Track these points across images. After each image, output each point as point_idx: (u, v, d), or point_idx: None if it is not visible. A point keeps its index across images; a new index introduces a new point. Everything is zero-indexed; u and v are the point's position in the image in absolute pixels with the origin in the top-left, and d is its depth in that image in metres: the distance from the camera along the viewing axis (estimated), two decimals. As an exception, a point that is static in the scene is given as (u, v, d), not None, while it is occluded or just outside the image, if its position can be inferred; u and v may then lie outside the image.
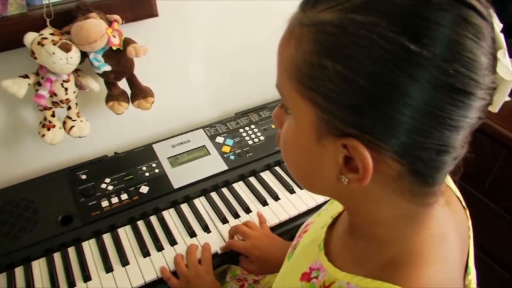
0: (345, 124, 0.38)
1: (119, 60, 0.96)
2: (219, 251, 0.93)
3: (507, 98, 0.40)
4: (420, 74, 0.34)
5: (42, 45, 0.85)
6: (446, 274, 0.43)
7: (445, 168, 0.40)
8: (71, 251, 0.93)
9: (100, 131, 1.14)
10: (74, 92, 0.97)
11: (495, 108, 0.41)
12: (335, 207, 0.61)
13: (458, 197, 0.56)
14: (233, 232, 0.94)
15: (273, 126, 1.21)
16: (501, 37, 0.39)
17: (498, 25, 0.38)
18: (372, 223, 0.46)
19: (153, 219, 1.00)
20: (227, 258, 0.94)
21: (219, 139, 1.17)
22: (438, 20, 0.34)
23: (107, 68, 0.94)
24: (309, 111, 0.40)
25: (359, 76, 0.35)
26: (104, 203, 1.00)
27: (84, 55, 0.92)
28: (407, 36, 0.34)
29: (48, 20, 0.89)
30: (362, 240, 0.49)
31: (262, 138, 1.18)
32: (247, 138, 1.18)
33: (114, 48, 0.93)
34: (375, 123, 0.36)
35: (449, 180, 0.57)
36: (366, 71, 0.35)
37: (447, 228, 0.47)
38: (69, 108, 1.00)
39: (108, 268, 0.89)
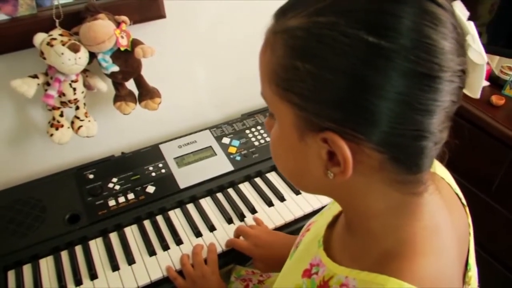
0: (321, 119, 0.40)
1: (127, 60, 0.97)
2: (224, 249, 0.94)
3: (485, 83, 0.42)
4: (383, 64, 0.36)
5: (51, 45, 0.86)
6: (441, 266, 0.44)
7: (427, 154, 0.41)
8: (78, 249, 0.94)
9: (108, 131, 1.15)
10: (82, 92, 0.98)
11: (474, 93, 0.43)
12: (337, 206, 0.61)
13: (457, 194, 0.56)
14: (237, 233, 0.95)
15: (279, 127, 1.21)
16: (467, 23, 0.41)
17: (463, 14, 0.41)
18: (364, 216, 0.47)
19: (159, 218, 1.01)
20: (232, 258, 0.95)
21: (225, 140, 1.18)
22: (396, 12, 0.36)
23: (115, 68, 0.95)
24: (288, 111, 0.42)
25: (327, 72, 0.37)
26: (111, 203, 1.01)
27: (92, 55, 0.93)
28: (366, 30, 0.36)
29: (57, 21, 0.90)
30: (357, 235, 0.50)
31: (268, 139, 1.18)
32: (253, 139, 1.18)
33: (122, 49, 0.94)
34: (349, 115, 0.38)
35: (449, 177, 0.57)
36: (333, 67, 0.37)
37: (439, 219, 0.47)
38: (77, 108, 1.01)
39: (115, 267, 0.90)
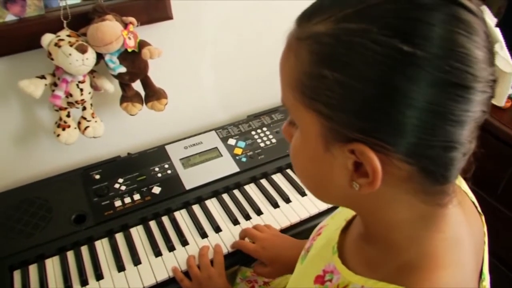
0: (349, 129, 0.38)
1: (134, 62, 0.97)
2: (230, 250, 0.93)
3: (511, 91, 0.41)
4: (416, 74, 0.35)
5: (59, 46, 0.87)
6: (461, 279, 0.43)
7: (455, 165, 0.40)
8: (84, 249, 0.94)
9: (114, 131, 1.15)
10: (89, 93, 0.98)
11: (500, 101, 0.42)
12: (349, 210, 0.61)
13: (473, 203, 0.55)
14: (243, 235, 0.95)
15: (285, 129, 1.21)
16: (495, 30, 0.39)
17: (491, 20, 0.39)
18: (387, 227, 0.46)
19: (165, 219, 1.01)
20: (238, 259, 0.94)
21: (231, 141, 1.18)
22: (428, 20, 0.35)
23: (122, 69, 0.95)
24: (314, 120, 0.41)
25: (357, 81, 0.36)
26: (117, 203, 1.01)
27: (99, 56, 0.93)
28: (399, 38, 0.35)
29: (65, 22, 0.90)
30: (376, 244, 0.49)
31: (274, 140, 1.18)
32: (259, 140, 1.18)
33: (129, 50, 0.94)
34: (379, 126, 0.37)
35: (464, 185, 0.57)
36: (363, 76, 0.36)
37: (461, 231, 0.46)
38: (84, 108, 1.02)
39: (120, 267, 0.90)
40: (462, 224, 0.47)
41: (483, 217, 0.54)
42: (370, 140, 0.38)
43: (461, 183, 0.56)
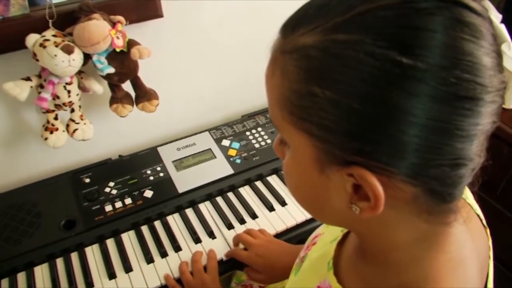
0: (346, 152, 0.35)
1: (123, 62, 0.94)
2: (224, 258, 0.91)
3: None
4: (418, 88, 0.31)
5: (44, 47, 0.84)
6: None
7: (464, 182, 0.37)
8: (74, 256, 0.92)
9: (104, 134, 1.12)
10: (77, 94, 0.95)
11: (508, 104, 0.38)
12: None
13: (478, 216, 0.52)
14: (237, 240, 0.92)
15: (280, 129, 1.19)
16: (502, 29, 0.36)
17: (496, 17, 0.36)
18: (386, 248, 0.43)
19: (157, 224, 0.98)
20: (232, 264, 0.92)
21: (225, 142, 1.15)
22: (428, 26, 0.31)
23: (111, 70, 0.92)
24: (306, 142, 0.37)
25: (352, 99, 0.32)
26: (108, 208, 0.98)
27: (87, 57, 0.90)
28: (397, 49, 0.31)
29: (50, 21, 0.87)
30: (374, 264, 0.46)
31: (269, 141, 1.16)
32: (253, 141, 1.16)
33: (118, 50, 0.91)
34: (379, 147, 0.33)
35: (471, 199, 0.54)
36: (359, 93, 0.32)
37: (466, 250, 0.44)
38: (72, 110, 0.99)
39: (111, 275, 0.88)
40: (467, 241, 0.44)
41: (488, 230, 0.51)
42: (369, 162, 0.34)
43: (468, 197, 0.53)
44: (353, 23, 0.33)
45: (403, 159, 0.33)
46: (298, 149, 0.39)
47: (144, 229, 0.97)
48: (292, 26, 0.37)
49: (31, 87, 0.89)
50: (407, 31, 0.31)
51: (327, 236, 0.59)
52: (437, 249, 0.41)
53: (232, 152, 1.12)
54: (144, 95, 1.03)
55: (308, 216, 0.98)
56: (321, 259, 0.54)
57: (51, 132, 0.97)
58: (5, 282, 0.87)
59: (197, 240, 0.94)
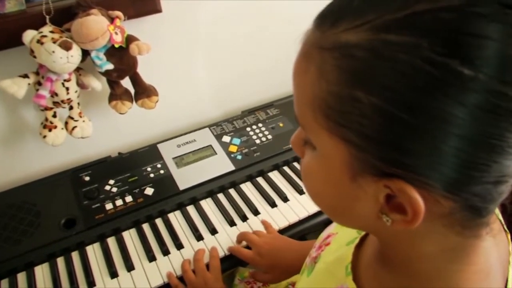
0: (386, 163, 0.32)
1: (122, 58, 0.92)
2: (226, 253, 0.90)
3: None
4: (474, 102, 0.28)
5: (42, 43, 0.82)
6: None
7: (502, 198, 0.35)
8: (75, 255, 0.91)
9: (103, 131, 1.11)
10: (76, 91, 0.94)
11: None
12: None
13: (500, 220, 0.50)
14: (241, 238, 0.91)
15: (281, 125, 1.18)
16: None
17: None
18: (412, 257, 0.41)
19: (159, 221, 0.97)
20: (235, 262, 0.91)
21: (226, 138, 1.14)
22: (491, 35, 0.28)
23: (110, 66, 0.91)
24: (340, 149, 0.34)
25: (400, 109, 0.29)
26: (108, 206, 0.97)
27: (85, 53, 0.89)
28: (459, 58, 0.28)
29: (47, 17, 0.86)
30: (397, 273, 0.44)
31: (269, 137, 1.15)
32: (254, 137, 1.14)
33: (117, 45, 0.90)
34: (422, 161, 0.31)
35: None
36: (408, 103, 0.29)
37: (493, 261, 0.42)
38: (71, 108, 0.97)
39: (113, 274, 0.87)
40: (494, 251, 0.43)
41: (509, 236, 0.49)
42: (409, 175, 0.32)
43: None
44: (409, 24, 0.29)
45: (447, 174, 0.31)
46: (328, 154, 0.36)
47: (146, 227, 0.96)
48: (332, 19, 0.33)
49: (29, 84, 0.88)
50: (469, 39, 0.28)
51: (342, 236, 0.57)
52: (465, 261, 0.39)
53: (233, 148, 1.11)
54: (143, 92, 1.02)
55: (310, 212, 0.97)
56: (338, 263, 0.52)
57: (50, 130, 0.96)
58: (5, 282, 0.86)
59: (199, 237, 0.93)
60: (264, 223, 0.95)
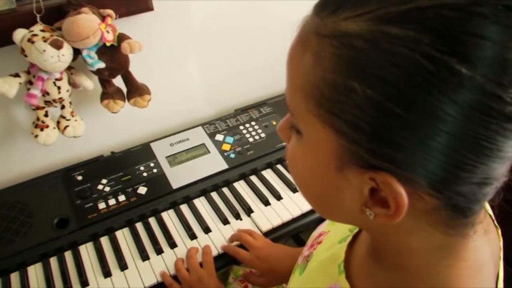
0: (374, 155, 0.32)
1: (113, 56, 0.92)
2: (220, 251, 0.90)
3: None
4: (468, 102, 0.28)
5: (32, 42, 0.82)
6: None
7: (486, 199, 0.35)
8: (68, 255, 0.91)
9: (96, 130, 1.10)
10: (68, 90, 0.93)
11: None
12: None
13: (490, 215, 0.50)
14: (236, 239, 0.91)
15: (274, 123, 1.18)
16: None
17: None
18: (402, 253, 0.41)
19: (152, 220, 0.97)
20: (229, 260, 0.91)
21: (219, 137, 1.14)
22: (490, 35, 0.28)
23: (101, 65, 0.91)
24: (329, 138, 0.34)
25: (395, 103, 0.29)
26: (101, 205, 0.97)
27: (76, 52, 0.88)
28: (458, 56, 0.27)
29: (38, 15, 0.85)
30: (389, 268, 0.44)
31: (263, 135, 1.15)
32: (247, 135, 1.14)
33: (108, 44, 0.89)
34: (410, 156, 0.31)
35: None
36: (405, 98, 0.29)
37: (484, 257, 0.42)
38: (62, 107, 0.97)
39: (106, 273, 0.86)
40: (486, 248, 0.43)
41: (499, 231, 0.49)
42: (397, 170, 0.32)
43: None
44: (411, 17, 0.29)
45: (434, 172, 0.31)
46: (316, 142, 0.36)
47: (139, 226, 0.96)
48: (333, 6, 0.32)
49: (20, 83, 0.87)
50: (470, 38, 0.28)
51: (333, 235, 0.58)
52: (454, 257, 0.39)
53: (226, 147, 1.11)
54: (136, 90, 1.01)
55: (304, 210, 0.97)
56: (330, 261, 0.52)
57: (42, 129, 0.95)
58: (-3, 283, 0.86)
59: (192, 236, 0.93)
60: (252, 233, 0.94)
